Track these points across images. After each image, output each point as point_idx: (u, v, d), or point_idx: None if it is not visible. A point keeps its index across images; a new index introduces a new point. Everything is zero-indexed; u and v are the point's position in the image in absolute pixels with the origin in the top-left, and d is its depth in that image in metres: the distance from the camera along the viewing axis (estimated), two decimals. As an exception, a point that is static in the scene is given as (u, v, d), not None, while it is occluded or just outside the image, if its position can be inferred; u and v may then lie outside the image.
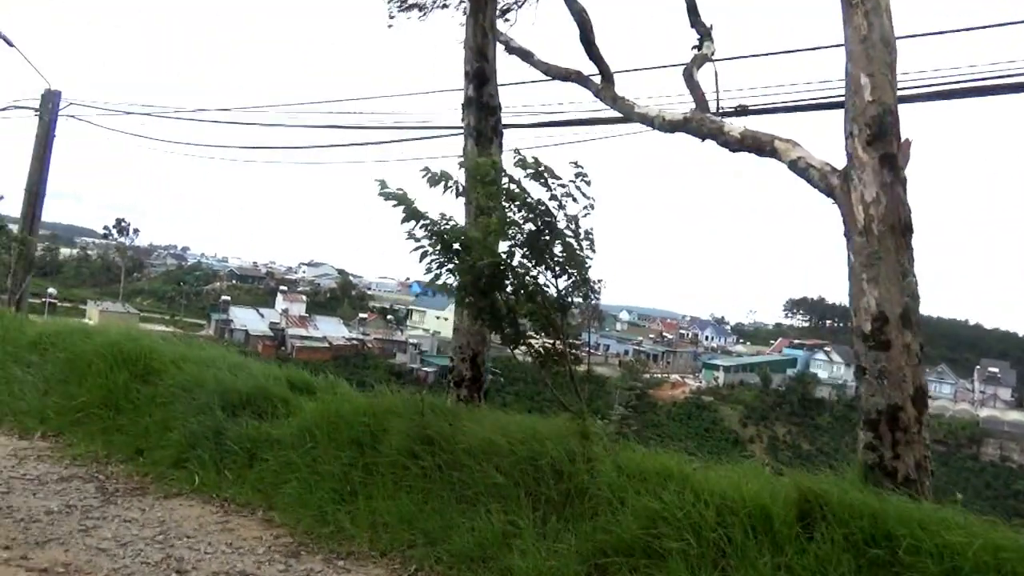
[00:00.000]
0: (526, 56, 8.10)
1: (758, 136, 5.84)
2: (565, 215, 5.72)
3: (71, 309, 63.57)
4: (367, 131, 13.11)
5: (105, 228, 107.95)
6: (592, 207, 5.90)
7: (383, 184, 5.75)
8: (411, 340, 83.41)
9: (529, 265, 5.78)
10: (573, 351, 5.92)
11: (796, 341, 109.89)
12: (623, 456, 5.22)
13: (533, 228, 5.74)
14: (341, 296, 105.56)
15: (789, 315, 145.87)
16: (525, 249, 5.77)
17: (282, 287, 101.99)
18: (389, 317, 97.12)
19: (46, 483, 6.04)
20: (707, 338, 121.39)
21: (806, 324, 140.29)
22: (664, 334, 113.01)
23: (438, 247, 5.76)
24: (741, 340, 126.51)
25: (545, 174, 5.62)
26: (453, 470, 5.37)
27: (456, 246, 5.69)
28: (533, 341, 6.02)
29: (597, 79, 7.49)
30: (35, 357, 8.73)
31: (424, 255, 5.79)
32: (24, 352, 8.92)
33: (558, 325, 5.83)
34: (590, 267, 5.91)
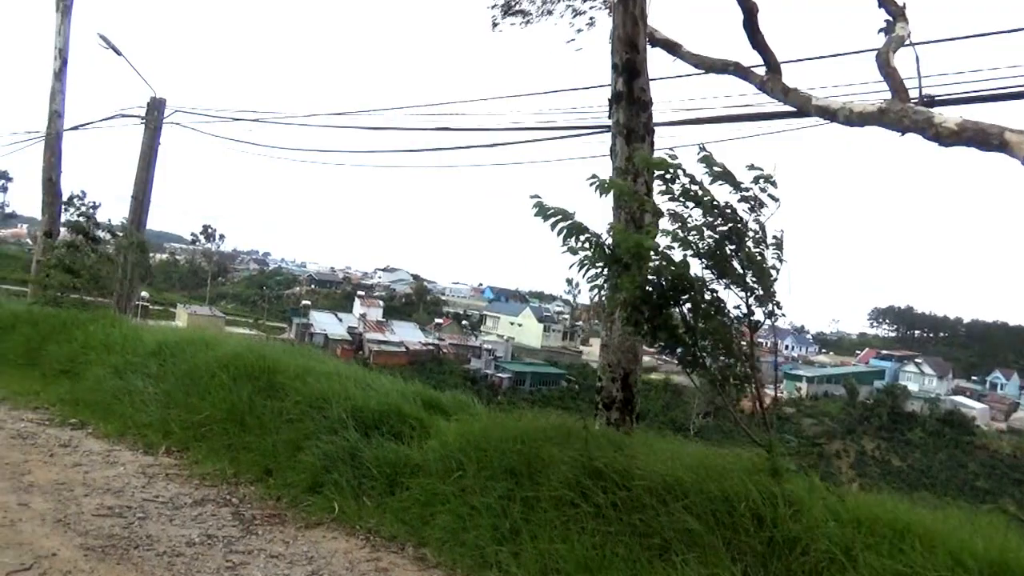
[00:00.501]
0: (672, 48, 7.40)
1: (982, 128, 4.99)
2: (754, 221, 5.04)
3: (162, 312, 65.77)
4: (480, 133, 12.55)
5: (193, 234, 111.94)
6: (774, 213, 5.21)
7: (540, 203, 5.18)
8: (486, 346, 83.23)
9: (711, 277, 5.10)
10: (759, 374, 5.21)
11: (885, 352, 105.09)
12: (835, 500, 4.50)
13: (716, 236, 5.06)
14: (416, 301, 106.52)
15: (874, 324, 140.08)
16: (706, 259, 5.09)
17: (359, 292, 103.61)
18: (464, 322, 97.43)
19: (180, 507, 5.68)
20: (787, 347, 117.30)
21: (893, 334, 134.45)
22: (742, 343, 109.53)
23: (602, 261, 5.14)
24: (823, 350, 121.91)
25: (732, 175, 4.95)
26: (632, 511, 4.72)
27: (627, 258, 5.04)
28: (710, 363, 5.33)
29: (758, 70, 6.74)
30: (155, 367, 8.50)
31: (587, 269, 5.19)
32: (144, 361, 8.71)
33: (743, 346, 5.13)
34: (776, 279, 5.20)
